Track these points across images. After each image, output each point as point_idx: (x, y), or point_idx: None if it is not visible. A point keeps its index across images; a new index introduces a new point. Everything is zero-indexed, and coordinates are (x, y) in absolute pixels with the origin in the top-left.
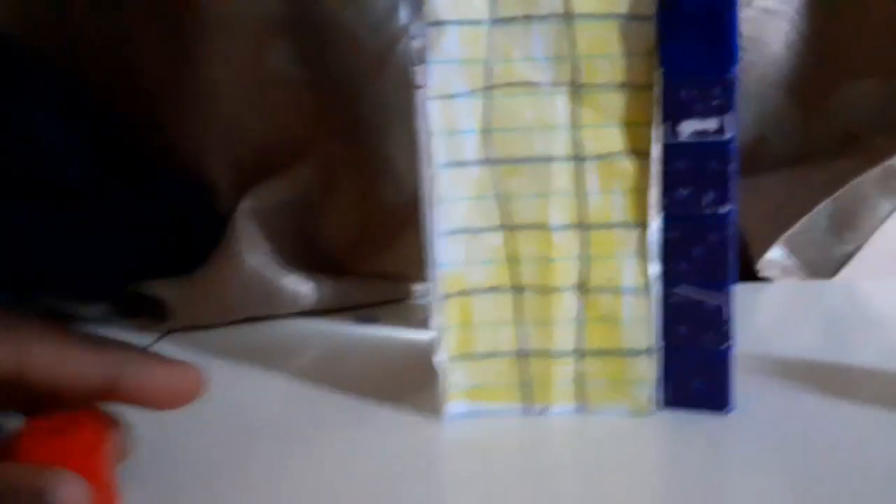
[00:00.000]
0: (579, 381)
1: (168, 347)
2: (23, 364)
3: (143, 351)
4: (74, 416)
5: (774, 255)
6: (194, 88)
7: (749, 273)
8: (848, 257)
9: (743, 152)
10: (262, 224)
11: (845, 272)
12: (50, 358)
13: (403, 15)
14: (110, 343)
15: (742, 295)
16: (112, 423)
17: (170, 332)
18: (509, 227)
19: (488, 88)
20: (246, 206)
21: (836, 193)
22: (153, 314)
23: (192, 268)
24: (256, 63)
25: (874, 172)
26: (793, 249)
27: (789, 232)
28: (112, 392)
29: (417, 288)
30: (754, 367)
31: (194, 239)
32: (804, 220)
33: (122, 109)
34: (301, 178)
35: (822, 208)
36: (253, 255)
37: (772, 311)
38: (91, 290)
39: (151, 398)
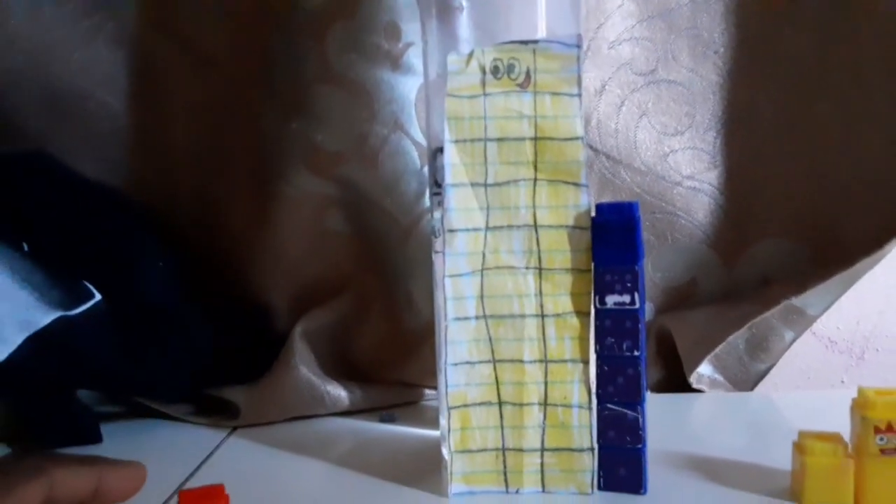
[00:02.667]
0: (542, 471)
1: (235, 441)
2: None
3: (107, 460)
4: (213, 491)
5: (704, 371)
6: (267, 240)
7: (684, 385)
8: (763, 374)
9: (679, 291)
10: (311, 342)
11: (761, 386)
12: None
13: (426, 201)
14: (87, 460)
15: (678, 403)
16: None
17: (235, 428)
18: (496, 361)
19: (483, 270)
20: (299, 328)
21: (750, 323)
22: (225, 413)
23: (256, 377)
24: (315, 224)
25: (778, 308)
26: (718, 367)
27: (714, 353)
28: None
29: (428, 392)
30: (680, 463)
31: (258, 353)
32: (726, 344)
33: (209, 252)
34: (342, 308)
35: (740, 335)
36: (304, 367)
37: (701, 417)
38: (176, 393)
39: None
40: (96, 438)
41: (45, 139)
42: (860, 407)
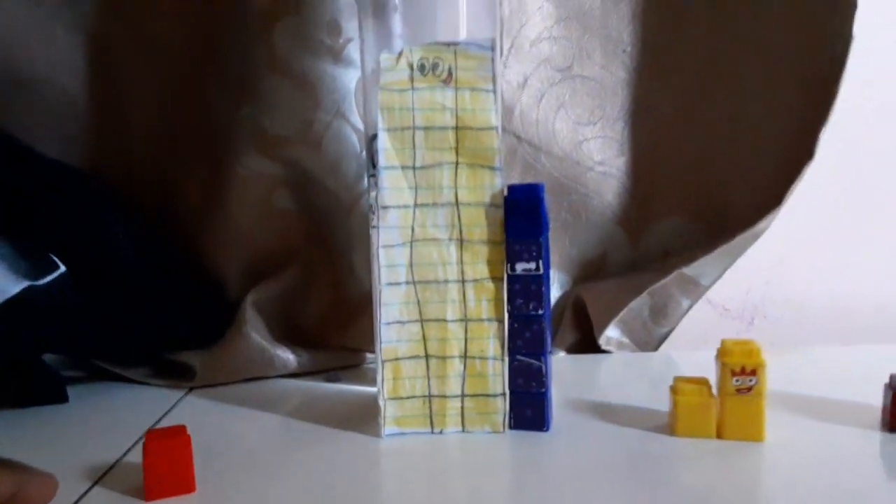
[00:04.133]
0: (462, 413)
1: (192, 399)
2: None
3: (26, 468)
4: (176, 429)
5: (612, 335)
6: (220, 216)
7: (594, 347)
8: (664, 337)
9: (591, 264)
10: (261, 310)
11: (663, 347)
12: None
13: (366, 181)
14: (8, 464)
15: (589, 362)
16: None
17: (192, 389)
18: (423, 320)
19: (412, 241)
20: (250, 298)
21: (650, 290)
22: (181, 375)
23: (211, 342)
24: (264, 202)
25: (674, 278)
26: (625, 331)
27: (622, 318)
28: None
29: (369, 356)
30: (583, 409)
31: (213, 321)
32: (631, 310)
33: (165, 227)
34: (289, 279)
35: (644, 302)
36: (255, 332)
37: (608, 374)
38: (136, 357)
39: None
40: (63, 398)
41: (4, 119)
42: (721, 354)
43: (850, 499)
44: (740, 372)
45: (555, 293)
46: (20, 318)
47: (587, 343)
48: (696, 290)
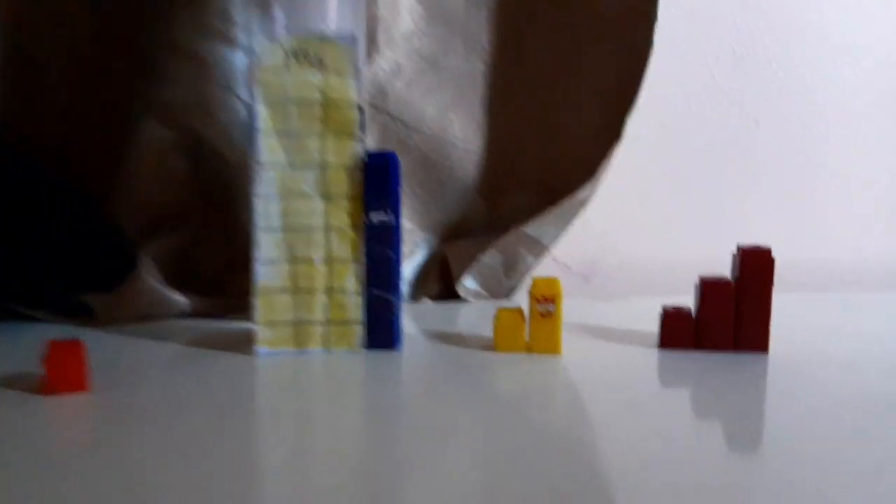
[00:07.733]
0: (326, 336)
1: (99, 334)
2: None
3: None
4: (73, 340)
5: (469, 286)
6: (122, 176)
7: (453, 294)
8: (514, 288)
9: (455, 226)
10: (159, 261)
11: (514, 296)
12: None
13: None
14: None
15: (450, 308)
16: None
17: (98, 327)
18: (293, 260)
19: (285, 195)
20: (150, 250)
21: (502, 248)
22: (85, 316)
23: (113, 287)
24: (162, 164)
25: (519, 237)
26: (481, 283)
27: (478, 271)
28: None
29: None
30: (434, 337)
31: (116, 268)
32: (486, 265)
33: (76, 186)
34: (184, 236)
35: (497, 258)
36: (152, 279)
37: (465, 316)
38: (44, 299)
39: None
40: None
41: None
42: (531, 288)
43: (624, 386)
44: (542, 300)
45: (424, 251)
46: None
47: (450, 293)
48: (539, 248)
